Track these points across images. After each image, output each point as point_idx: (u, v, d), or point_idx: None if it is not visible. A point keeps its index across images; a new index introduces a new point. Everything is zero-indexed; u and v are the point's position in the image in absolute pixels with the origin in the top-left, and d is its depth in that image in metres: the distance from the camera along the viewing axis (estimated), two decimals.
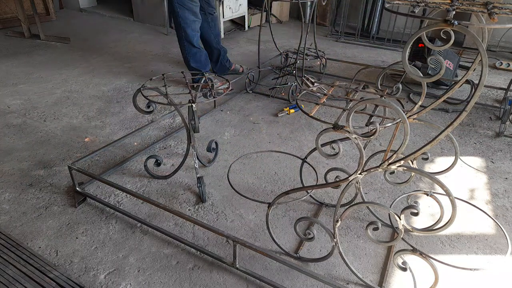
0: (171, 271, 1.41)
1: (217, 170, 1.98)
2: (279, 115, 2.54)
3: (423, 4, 1.04)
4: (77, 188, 1.74)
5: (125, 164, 2.00)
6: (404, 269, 1.26)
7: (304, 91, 1.32)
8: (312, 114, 1.17)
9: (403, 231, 1.15)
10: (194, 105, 1.67)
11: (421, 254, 1.17)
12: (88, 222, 1.62)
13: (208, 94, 1.72)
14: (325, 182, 1.68)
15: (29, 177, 1.90)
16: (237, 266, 1.38)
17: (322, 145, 1.33)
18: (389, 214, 1.60)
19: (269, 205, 1.40)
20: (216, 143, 2.06)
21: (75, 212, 1.67)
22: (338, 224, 1.24)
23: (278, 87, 2.80)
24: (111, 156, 2.08)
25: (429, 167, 2.04)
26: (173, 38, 4.32)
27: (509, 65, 3.42)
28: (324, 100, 1.24)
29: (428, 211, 1.71)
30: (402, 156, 1.11)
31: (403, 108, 1.20)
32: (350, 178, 1.17)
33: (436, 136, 1.03)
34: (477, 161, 2.09)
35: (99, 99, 2.77)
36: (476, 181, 1.94)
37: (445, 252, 1.51)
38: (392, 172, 1.58)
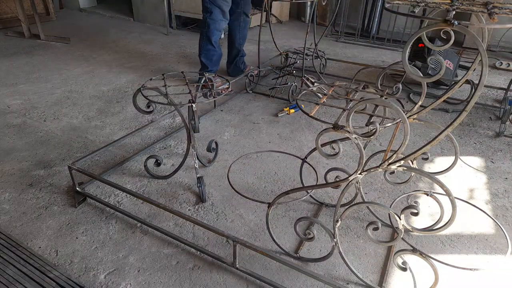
0: (171, 271, 1.41)
1: (217, 170, 1.98)
2: (279, 115, 2.54)
3: (423, 4, 1.04)
4: (77, 188, 1.74)
5: (125, 164, 2.00)
6: (404, 269, 1.26)
7: (304, 91, 1.32)
8: (312, 114, 1.17)
9: (403, 231, 1.15)
10: (194, 105, 1.67)
11: (421, 254, 1.17)
12: (88, 222, 1.62)
13: (208, 94, 1.72)
14: (325, 182, 1.68)
15: (29, 177, 1.90)
16: (237, 266, 1.38)
17: (322, 145, 1.33)
18: (389, 214, 1.60)
19: (269, 205, 1.40)
20: (216, 143, 2.06)
21: (75, 212, 1.67)
22: (338, 224, 1.24)
23: (278, 87, 2.80)
24: (111, 156, 2.08)
25: (429, 167, 2.04)
26: (173, 38, 4.33)
27: (509, 65, 3.42)
28: (324, 100, 1.24)
29: (428, 211, 1.71)
30: (402, 156, 1.11)
31: (403, 108, 1.20)
32: (350, 178, 1.17)
33: (436, 136, 1.03)
34: (477, 161, 2.09)
35: (99, 99, 2.77)
36: (476, 181, 1.94)
37: (445, 252, 1.51)
38: (392, 172, 1.58)
